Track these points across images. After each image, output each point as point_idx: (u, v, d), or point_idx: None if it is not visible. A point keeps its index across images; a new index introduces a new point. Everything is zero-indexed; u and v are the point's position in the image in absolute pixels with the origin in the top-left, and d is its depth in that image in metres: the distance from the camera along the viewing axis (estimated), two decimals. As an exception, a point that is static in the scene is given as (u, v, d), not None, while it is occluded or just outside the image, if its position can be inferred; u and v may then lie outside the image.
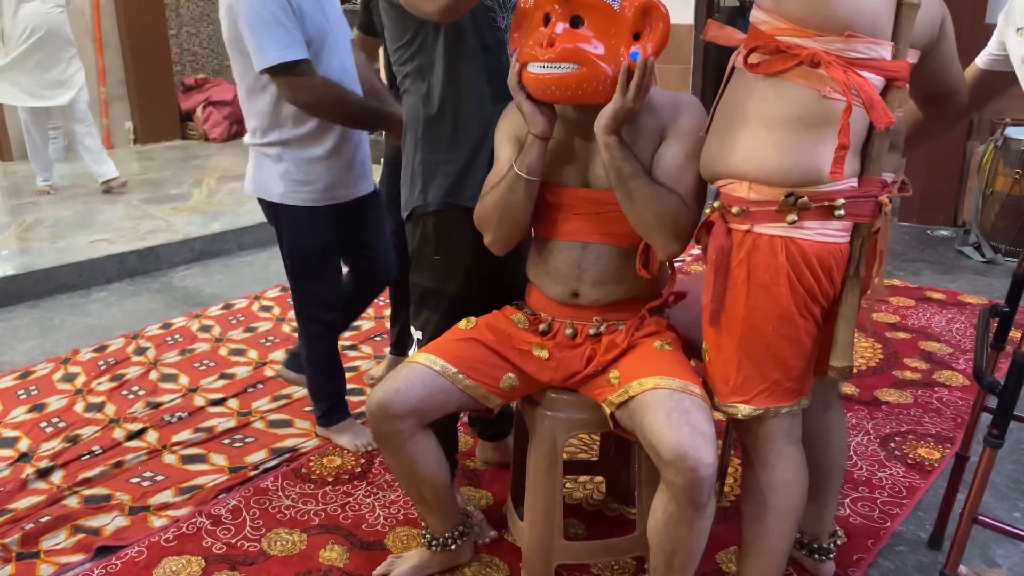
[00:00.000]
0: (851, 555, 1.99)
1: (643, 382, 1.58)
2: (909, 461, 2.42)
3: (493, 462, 2.43)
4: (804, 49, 1.35)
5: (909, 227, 4.81)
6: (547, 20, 1.56)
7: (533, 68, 1.55)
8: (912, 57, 1.42)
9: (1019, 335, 1.63)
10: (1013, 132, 4.21)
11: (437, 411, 1.71)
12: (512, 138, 1.72)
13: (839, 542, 1.91)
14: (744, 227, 1.45)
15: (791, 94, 1.38)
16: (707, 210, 1.53)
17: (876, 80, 1.37)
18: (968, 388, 2.86)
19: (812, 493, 1.67)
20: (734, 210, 1.46)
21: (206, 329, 3.53)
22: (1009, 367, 1.55)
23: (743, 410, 1.54)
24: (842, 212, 1.40)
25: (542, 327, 1.77)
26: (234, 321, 3.63)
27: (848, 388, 2.87)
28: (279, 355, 3.23)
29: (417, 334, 1.99)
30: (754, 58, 1.42)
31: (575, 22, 1.53)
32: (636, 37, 1.54)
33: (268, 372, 3.10)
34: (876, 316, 3.54)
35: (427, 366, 1.70)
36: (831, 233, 1.42)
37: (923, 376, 2.99)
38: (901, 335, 3.34)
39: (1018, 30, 1.61)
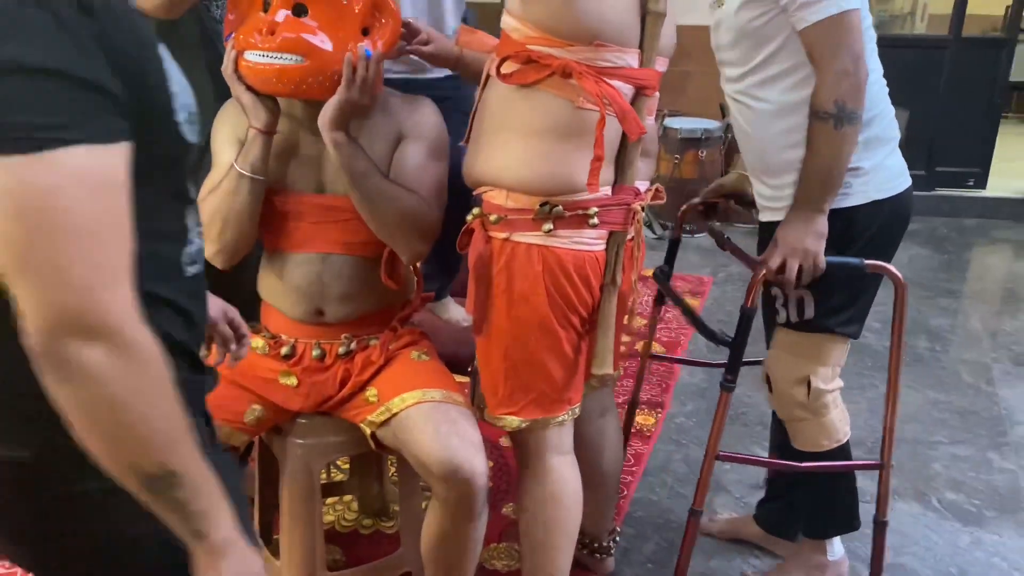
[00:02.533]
0: (599, 529, 2.11)
1: (405, 397, 1.52)
2: (632, 430, 2.62)
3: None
4: (555, 59, 1.34)
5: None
6: (267, 6, 1.43)
7: (251, 57, 1.41)
8: (660, 65, 1.45)
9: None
10: (670, 122, 4.75)
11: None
12: (232, 138, 1.55)
13: (618, 539, 1.98)
14: (503, 235, 1.44)
15: (545, 105, 1.38)
16: (469, 217, 1.49)
17: (625, 89, 1.40)
18: (664, 356, 3.17)
19: (592, 496, 1.69)
20: (492, 218, 1.44)
21: None
22: (739, 320, 1.65)
23: (512, 422, 1.52)
24: (596, 220, 1.42)
25: (284, 351, 1.63)
26: None
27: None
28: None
29: None
30: (506, 67, 1.40)
31: (299, 10, 1.41)
32: (365, 33, 1.46)
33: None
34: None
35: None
36: (586, 241, 1.43)
37: (627, 348, 3.25)
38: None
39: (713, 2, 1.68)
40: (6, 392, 0.81)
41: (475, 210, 1.49)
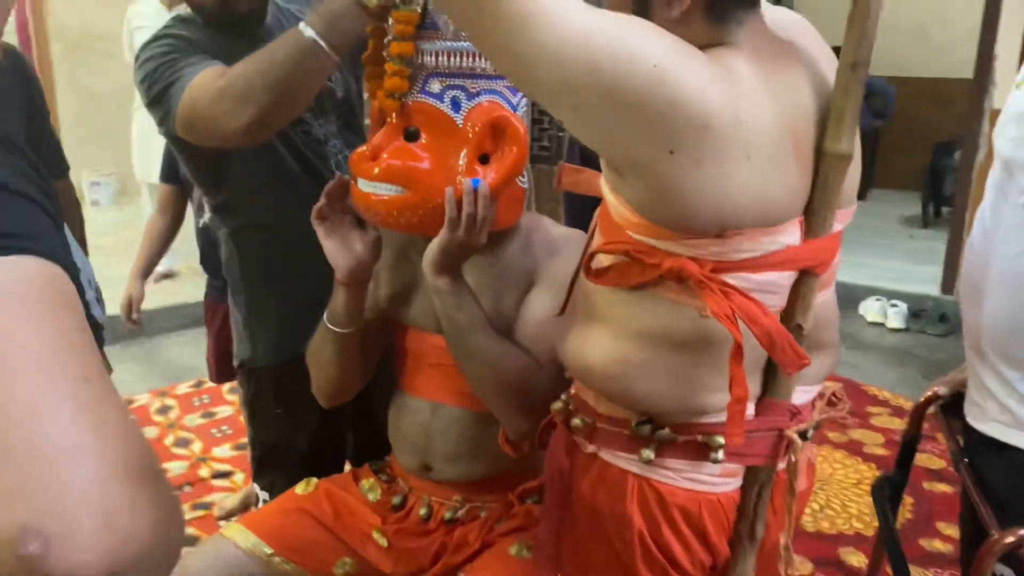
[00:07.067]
0: None
1: (486, 600, 1.21)
2: None
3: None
4: (666, 256, 0.91)
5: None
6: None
7: (360, 183, 1.24)
8: (840, 223, 0.97)
9: None
10: None
11: (243, 601, 1.37)
12: None
13: None
14: (590, 448, 1.04)
15: (658, 307, 0.95)
16: (556, 405, 1.12)
17: (783, 279, 0.94)
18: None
19: None
20: (576, 421, 1.05)
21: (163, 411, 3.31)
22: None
23: None
24: (721, 456, 0.97)
25: (395, 500, 1.42)
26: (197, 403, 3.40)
27: (856, 558, 2.38)
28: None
29: (263, 495, 1.65)
30: (598, 262, 0.98)
31: (411, 135, 1.21)
32: (484, 160, 1.20)
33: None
34: (916, 460, 3.01)
35: (235, 543, 1.36)
36: (706, 479, 1.00)
37: (956, 548, 2.46)
38: (941, 488, 2.80)
39: (1017, 85, 1.18)
40: None
41: (563, 396, 1.11)
